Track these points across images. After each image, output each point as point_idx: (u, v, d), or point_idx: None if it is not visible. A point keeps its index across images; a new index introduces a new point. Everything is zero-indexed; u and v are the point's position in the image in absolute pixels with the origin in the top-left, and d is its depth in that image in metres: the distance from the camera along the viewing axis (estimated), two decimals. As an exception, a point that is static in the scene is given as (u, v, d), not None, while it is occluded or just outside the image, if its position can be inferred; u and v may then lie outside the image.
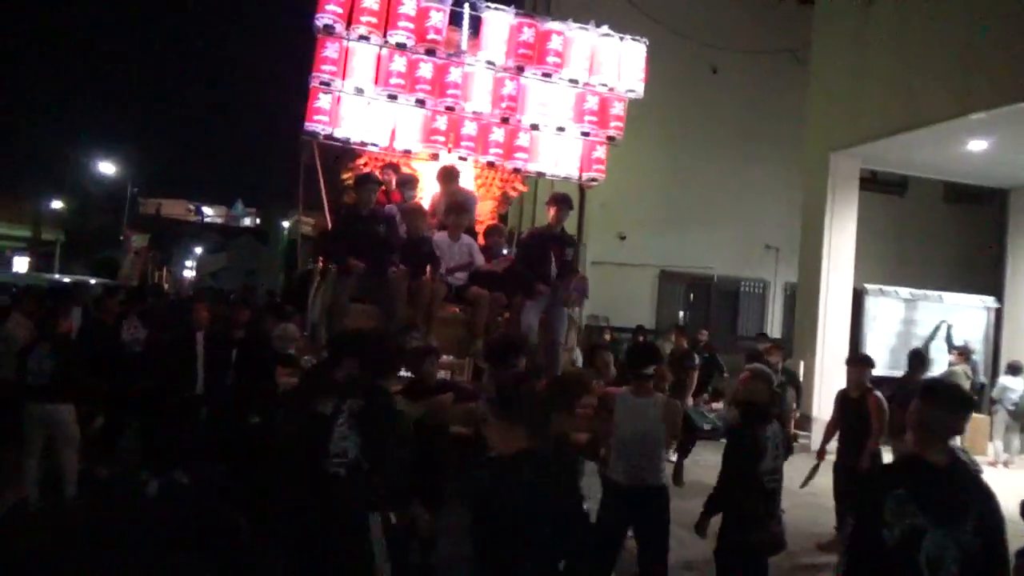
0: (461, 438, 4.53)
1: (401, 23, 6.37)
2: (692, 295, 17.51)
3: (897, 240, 16.15)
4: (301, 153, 6.68)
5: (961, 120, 9.36)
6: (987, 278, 13.76)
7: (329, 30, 6.27)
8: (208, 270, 40.34)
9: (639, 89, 7.10)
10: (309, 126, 6.37)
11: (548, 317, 5.89)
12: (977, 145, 10.41)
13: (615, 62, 7.04)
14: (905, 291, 12.45)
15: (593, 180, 7.29)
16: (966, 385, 9.10)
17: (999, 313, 12.49)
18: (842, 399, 6.28)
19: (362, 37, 6.35)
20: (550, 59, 6.77)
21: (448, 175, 6.70)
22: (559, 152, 7.14)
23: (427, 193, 7.11)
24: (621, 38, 7.10)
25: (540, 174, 7.23)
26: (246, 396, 5.58)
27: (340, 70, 6.39)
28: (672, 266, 17.03)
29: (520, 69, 6.78)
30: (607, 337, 12.67)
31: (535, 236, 6.27)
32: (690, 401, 8.15)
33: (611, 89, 7.03)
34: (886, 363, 11.02)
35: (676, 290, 17.36)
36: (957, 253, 16.10)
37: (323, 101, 6.40)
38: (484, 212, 7.57)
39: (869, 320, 12.12)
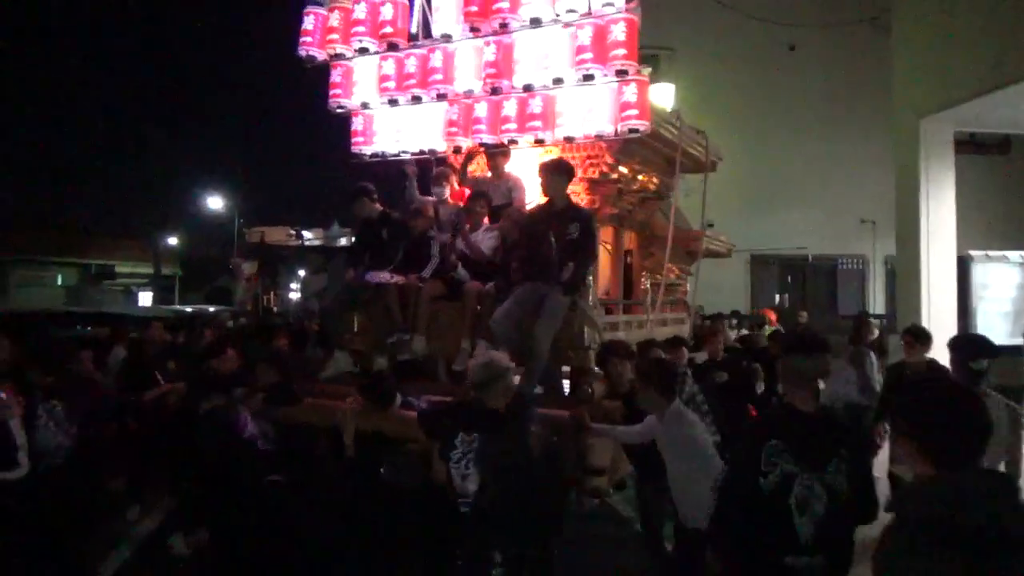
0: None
1: (356, 29, 6.30)
2: (787, 277, 17.24)
3: (1004, 202, 15.39)
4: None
5: (1055, 73, 8.94)
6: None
7: (312, 60, 6.52)
8: (312, 291, 42.21)
9: None
10: (354, 149, 6.70)
11: (540, 309, 4.91)
12: (1080, 96, 9.88)
13: None
14: (1016, 255, 11.86)
15: (633, 131, 5.66)
16: None
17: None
18: None
19: (333, 56, 6.50)
20: (500, 5, 5.63)
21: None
22: (585, 109, 5.82)
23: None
24: None
25: (568, 139, 5.95)
26: None
27: (345, 90, 6.57)
28: (763, 249, 16.82)
29: (475, 30, 5.81)
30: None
31: (528, 214, 5.54)
32: None
33: (590, 13, 5.53)
34: (1007, 332, 10.57)
35: (769, 273, 17.14)
36: (1073, 210, 15.17)
37: (356, 123, 6.67)
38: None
39: (978, 288, 11.64)
